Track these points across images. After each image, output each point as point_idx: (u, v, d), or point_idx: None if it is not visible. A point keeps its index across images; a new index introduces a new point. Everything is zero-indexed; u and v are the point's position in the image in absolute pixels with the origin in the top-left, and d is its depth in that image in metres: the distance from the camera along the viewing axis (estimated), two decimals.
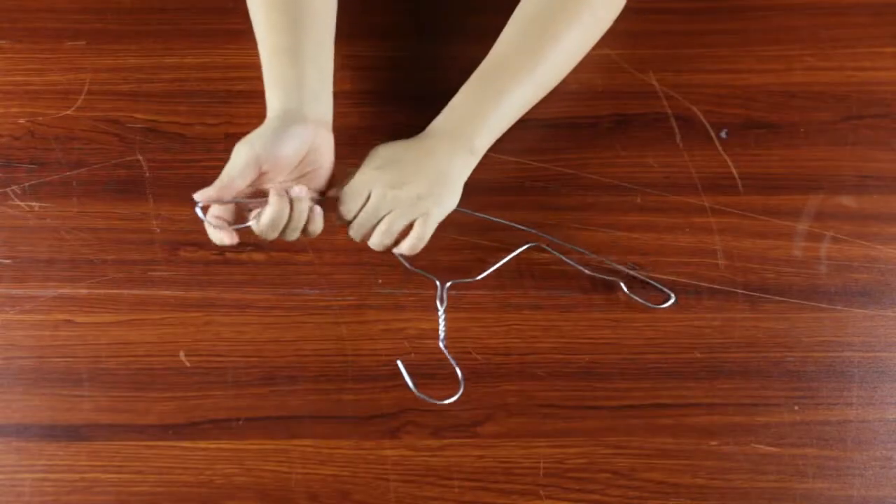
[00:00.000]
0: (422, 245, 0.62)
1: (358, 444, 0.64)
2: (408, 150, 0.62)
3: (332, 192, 0.62)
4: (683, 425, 0.65)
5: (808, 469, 0.64)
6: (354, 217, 0.61)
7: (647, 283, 0.67)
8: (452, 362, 0.65)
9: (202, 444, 0.64)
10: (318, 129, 0.60)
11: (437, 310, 0.65)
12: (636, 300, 0.67)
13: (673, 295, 0.67)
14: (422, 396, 0.64)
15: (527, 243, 0.68)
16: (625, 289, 0.67)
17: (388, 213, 0.60)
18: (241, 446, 0.64)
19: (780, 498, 0.63)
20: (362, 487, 0.63)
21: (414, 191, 0.60)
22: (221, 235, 0.57)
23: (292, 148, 0.58)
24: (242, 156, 0.57)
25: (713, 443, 0.64)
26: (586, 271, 0.67)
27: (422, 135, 0.64)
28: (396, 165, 0.61)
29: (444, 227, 0.63)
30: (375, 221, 0.61)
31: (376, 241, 0.61)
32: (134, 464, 0.63)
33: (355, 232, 0.62)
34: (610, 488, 0.63)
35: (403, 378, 0.65)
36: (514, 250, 0.68)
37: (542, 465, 0.64)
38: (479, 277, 0.67)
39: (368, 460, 0.64)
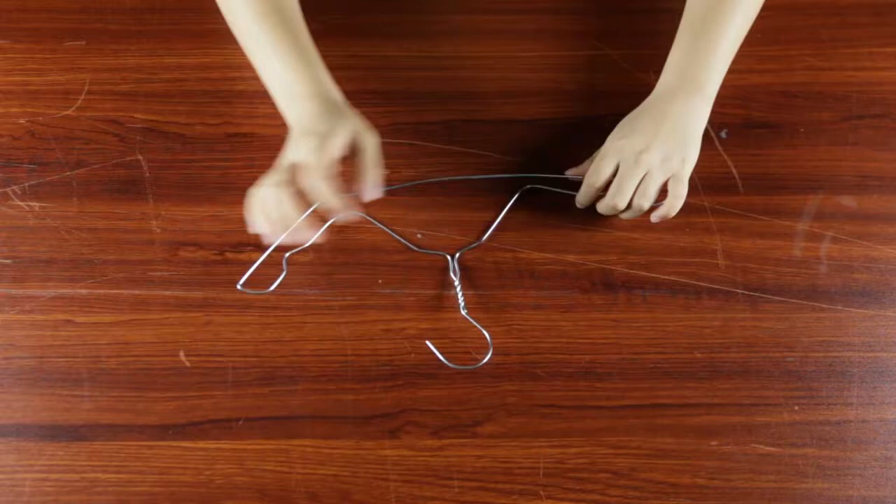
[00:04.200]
0: (680, 204, 0.64)
1: (358, 444, 0.64)
2: (643, 116, 0.65)
3: (570, 172, 0.68)
4: (683, 425, 0.65)
5: (808, 469, 0.64)
6: (602, 194, 0.65)
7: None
8: (478, 326, 0.66)
9: (202, 444, 0.64)
10: (356, 118, 0.62)
11: (453, 281, 0.67)
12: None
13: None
14: (454, 366, 0.65)
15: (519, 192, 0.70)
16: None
17: (643, 178, 0.63)
18: (241, 446, 0.64)
19: (780, 498, 0.63)
20: (362, 487, 0.63)
21: (659, 153, 0.63)
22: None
23: (344, 138, 0.60)
24: (342, 136, 0.59)
25: (713, 443, 0.64)
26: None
27: (652, 97, 0.66)
28: (637, 133, 0.64)
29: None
30: (629, 188, 0.63)
31: (635, 206, 0.64)
32: (134, 464, 0.63)
33: (604, 205, 0.65)
34: (610, 488, 0.63)
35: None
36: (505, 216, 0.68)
37: (542, 465, 0.64)
38: (483, 239, 0.68)
39: (368, 460, 0.64)
